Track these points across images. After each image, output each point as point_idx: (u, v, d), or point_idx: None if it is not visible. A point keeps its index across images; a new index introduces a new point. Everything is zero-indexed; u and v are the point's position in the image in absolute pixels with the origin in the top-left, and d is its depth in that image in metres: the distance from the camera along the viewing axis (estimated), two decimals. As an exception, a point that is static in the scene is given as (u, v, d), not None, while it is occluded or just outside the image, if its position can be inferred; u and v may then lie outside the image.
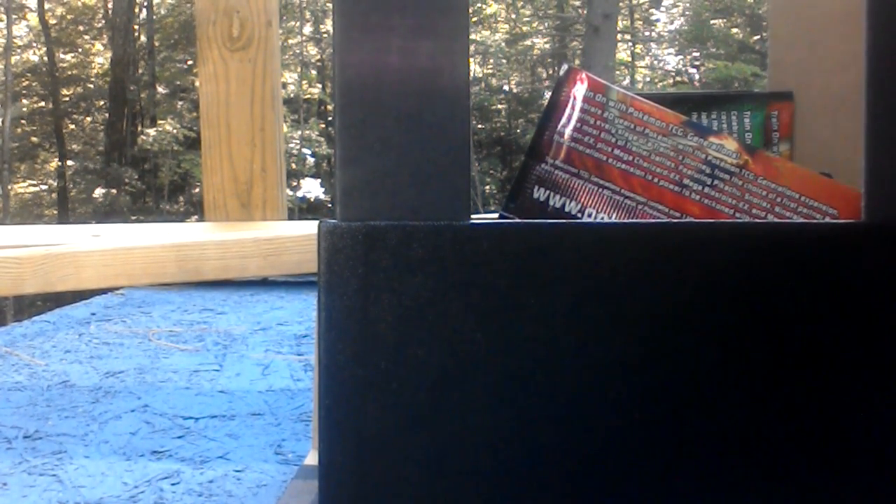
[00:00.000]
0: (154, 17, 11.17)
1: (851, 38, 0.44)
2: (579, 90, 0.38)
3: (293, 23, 10.55)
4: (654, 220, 0.37)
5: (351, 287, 0.33)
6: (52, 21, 11.22)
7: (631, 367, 0.33)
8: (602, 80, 0.38)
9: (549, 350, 0.33)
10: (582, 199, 0.37)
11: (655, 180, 0.37)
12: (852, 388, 0.33)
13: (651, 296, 0.33)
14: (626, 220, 0.37)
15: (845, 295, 0.33)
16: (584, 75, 0.38)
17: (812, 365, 0.33)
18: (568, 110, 0.38)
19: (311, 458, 0.63)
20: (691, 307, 0.33)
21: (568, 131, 0.38)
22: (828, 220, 0.37)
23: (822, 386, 0.33)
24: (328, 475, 0.34)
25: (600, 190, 0.37)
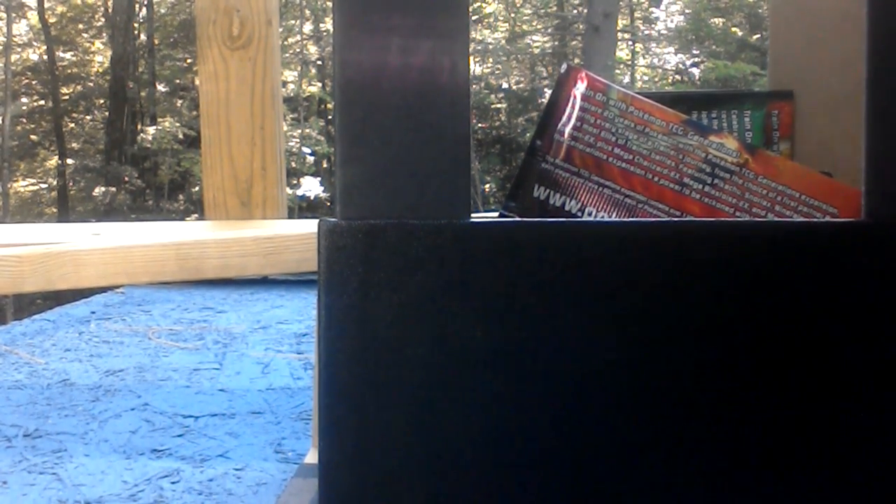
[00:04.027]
0: (154, 15, 11.17)
1: (851, 37, 0.44)
2: (579, 89, 0.38)
3: (293, 21, 10.55)
4: (654, 219, 0.37)
5: (351, 285, 0.33)
6: (52, 19, 11.22)
7: (631, 365, 0.33)
8: (602, 79, 0.38)
9: (549, 348, 0.33)
10: (582, 198, 0.37)
11: (656, 179, 0.37)
12: (853, 387, 0.33)
13: (651, 294, 0.33)
14: (626, 219, 0.37)
15: (845, 293, 0.33)
16: (584, 74, 0.38)
17: (812, 363, 0.33)
18: (568, 109, 0.38)
19: (311, 457, 0.63)
20: (691, 306, 0.33)
21: (568, 130, 0.38)
22: (828, 218, 0.37)
23: (823, 385, 0.33)
24: (328, 474, 0.34)
25: (600, 189, 0.37)
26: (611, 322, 0.33)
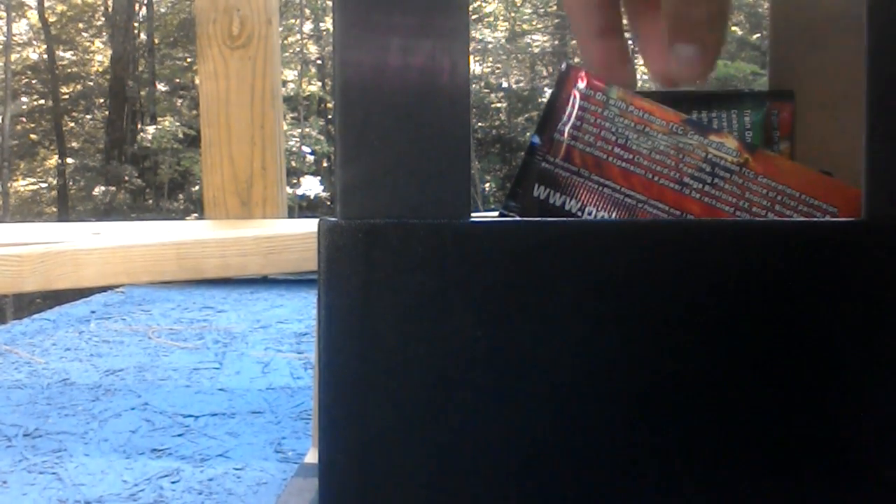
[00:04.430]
0: (154, 14, 11.17)
1: (852, 36, 0.44)
2: (579, 88, 0.38)
3: (293, 20, 10.55)
4: (654, 219, 0.37)
5: (351, 285, 0.33)
6: (52, 18, 11.22)
7: (632, 365, 0.33)
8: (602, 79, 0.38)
9: (550, 348, 0.33)
10: (582, 198, 0.37)
11: (656, 179, 0.37)
12: (853, 387, 0.33)
13: (651, 294, 0.33)
14: (627, 219, 0.37)
15: (845, 293, 0.33)
16: (584, 73, 0.38)
17: (811, 363, 0.33)
18: (568, 108, 0.38)
19: (311, 457, 0.63)
20: (692, 305, 0.33)
21: (568, 129, 0.38)
22: (828, 218, 0.37)
23: (822, 385, 0.33)
24: (328, 473, 0.34)
25: (600, 188, 0.37)
26: (612, 321, 0.33)
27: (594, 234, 0.33)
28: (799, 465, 0.33)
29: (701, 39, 0.39)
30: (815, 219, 0.37)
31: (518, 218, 0.38)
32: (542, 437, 0.34)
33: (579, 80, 0.38)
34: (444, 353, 0.33)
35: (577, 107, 0.38)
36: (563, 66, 0.39)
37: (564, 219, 0.37)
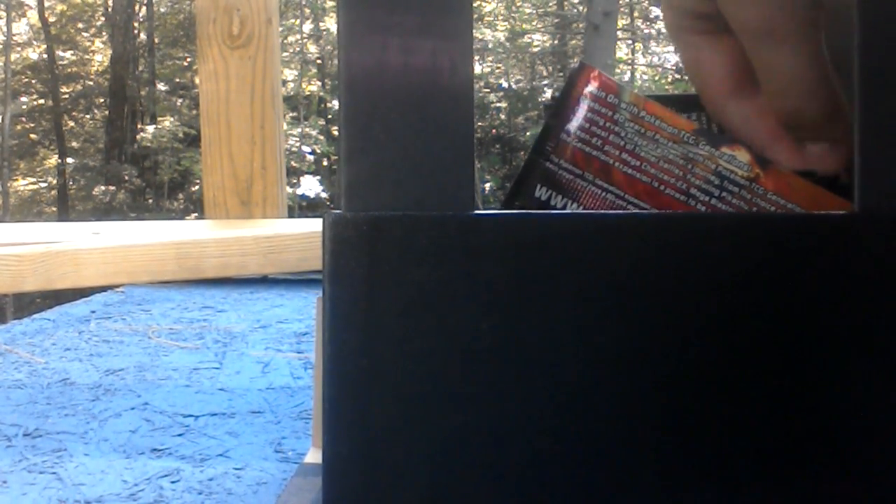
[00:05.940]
0: (154, 14, 11.18)
1: (848, 34, 0.44)
2: (590, 89, 0.37)
3: (293, 20, 10.56)
4: (655, 212, 0.36)
5: (356, 277, 0.33)
6: (52, 18, 11.23)
7: (636, 358, 0.33)
8: (615, 81, 0.37)
9: (556, 341, 0.33)
10: (585, 202, 0.37)
11: (662, 188, 0.36)
12: (848, 380, 0.33)
13: (653, 287, 0.33)
14: (633, 212, 0.36)
15: (838, 285, 0.33)
16: (596, 74, 0.37)
17: (804, 356, 0.33)
18: (577, 109, 0.37)
19: (311, 456, 0.62)
20: (691, 298, 0.33)
21: (576, 131, 0.37)
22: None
23: (817, 378, 0.33)
24: (332, 468, 0.34)
25: (604, 194, 0.37)
26: (616, 315, 0.33)
27: (599, 228, 0.33)
28: (795, 460, 0.33)
29: (829, 134, 0.36)
30: (807, 211, 0.36)
31: (523, 210, 0.37)
32: (548, 432, 0.33)
33: (591, 81, 0.37)
34: (448, 346, 0.33)
35: (586, 108, 0.37)
36: (576, 65, 0.38)
37: (570, 212, 0.37)
